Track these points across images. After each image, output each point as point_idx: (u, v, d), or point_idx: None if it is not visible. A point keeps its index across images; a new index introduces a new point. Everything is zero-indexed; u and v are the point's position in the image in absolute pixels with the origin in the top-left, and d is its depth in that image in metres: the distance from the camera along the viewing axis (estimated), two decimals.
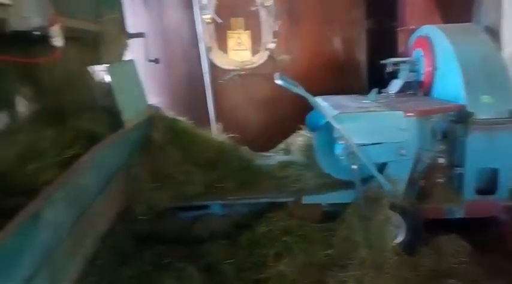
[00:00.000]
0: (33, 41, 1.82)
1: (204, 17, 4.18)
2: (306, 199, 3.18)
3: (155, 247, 3.08)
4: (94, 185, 2.24)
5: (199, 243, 3.15)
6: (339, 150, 2.92)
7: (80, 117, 2.20)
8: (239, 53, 4.40)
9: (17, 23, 1.54)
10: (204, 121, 4.28)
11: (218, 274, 2.86)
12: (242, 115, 4.54)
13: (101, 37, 2.60)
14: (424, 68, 3.78)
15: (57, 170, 1.85)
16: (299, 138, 3.98)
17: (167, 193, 3.12)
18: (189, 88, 4.60)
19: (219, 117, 4.50)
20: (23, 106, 2.14)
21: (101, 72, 2.60)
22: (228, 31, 4.31)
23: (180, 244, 3.16)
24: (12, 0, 1.51)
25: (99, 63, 2.62)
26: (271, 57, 4.41)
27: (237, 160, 3.61)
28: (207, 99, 4.46)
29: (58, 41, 1.77)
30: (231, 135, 3.90)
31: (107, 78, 2.33)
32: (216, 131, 4.28)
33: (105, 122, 2.37)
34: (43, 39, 1.83)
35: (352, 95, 3.93)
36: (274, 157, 3.98)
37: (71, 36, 2.00)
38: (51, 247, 1.83)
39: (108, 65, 2.37)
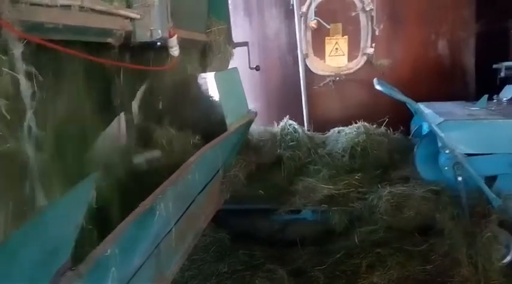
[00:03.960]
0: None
1: (310, 22, 4.26)
2: None
3: (248, 246, 3.20)
4: (197, 184, 2.39)
5: (290, 247, 3.20)
6: (443, 160, 2.76)
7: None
8: (335, 58, 4.39)
9: (143, 35, 1.73)
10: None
11: (308, 279, 2.86)
12: (335, 121, 4.51)
13: (209, 46, 2.79)
14: None
15: None
16: None
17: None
18: (284, 93, 4.71)
19: (312, 122, 4.53)
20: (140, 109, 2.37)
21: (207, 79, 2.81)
22: (327, 37, 4.33)
23: (271, 246, 3.24)
24: (141, 14, 1.70)
25: (207, 70, 2.82)
26: (369, 62, 4.32)
27: None
28: (302, 104, 4.51)
29: (175, 51, 1.95)
30: None
31: (213, 85, 2.49)
32: None
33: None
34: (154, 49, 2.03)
35: (459, 102, 3.69)
36: None
37: (184, 46, 2.18)
38: (159, 239, 2.00)
39: (214, 73, 2.53)
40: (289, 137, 3.86)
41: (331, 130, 4.11)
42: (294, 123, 4.04)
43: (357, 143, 3.63)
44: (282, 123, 4.03)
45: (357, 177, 3.33)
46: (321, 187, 3.25)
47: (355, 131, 3.80)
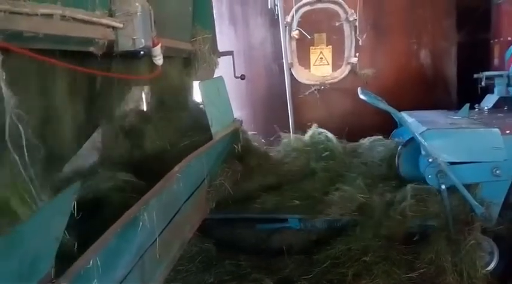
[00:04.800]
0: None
1: (292, 33, 4.31)
2: None
3: (234, 256, 3.17)
4: (183, 193, 2.37)
5: (276, 256, 3.18)
6: (425, 168, 2.79)
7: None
8: (320, 68, 4.43)
9: (126, 44, 1.72)
10: None
11: None
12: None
13: (194, 55, 2.79)
14: None
15: None
16: None
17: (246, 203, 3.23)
18: (269, 102, 4.73)
19: (298, 131, 4.54)
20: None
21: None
22: (311, 47, 4.38)
23: (257, 256, 3.22)
24: (123, 23, 1.69)
25: (192, 79, 2.82)
26: (353, 72, 4.37)
27: None
28: (288, 113, 4.53)
29: (159, 60, 1.94)
30: None
31: (199, 94, 2.49)
32: None
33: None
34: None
35: (441, 110, 3.75)
36: None
37: (168, 55, 2.18)
38: (143, 250, 1.97)
39: (200, 82, 2.53)
40: (321, 146, 3.72)
41: (366, 139, 3.95)
42: (325, 130, 3.88)
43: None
44: (310, 132, 3.92)
45: (393, 185, 3.24)
46: (358, 196, 3.12)
47: (394, 140, 3.69)
